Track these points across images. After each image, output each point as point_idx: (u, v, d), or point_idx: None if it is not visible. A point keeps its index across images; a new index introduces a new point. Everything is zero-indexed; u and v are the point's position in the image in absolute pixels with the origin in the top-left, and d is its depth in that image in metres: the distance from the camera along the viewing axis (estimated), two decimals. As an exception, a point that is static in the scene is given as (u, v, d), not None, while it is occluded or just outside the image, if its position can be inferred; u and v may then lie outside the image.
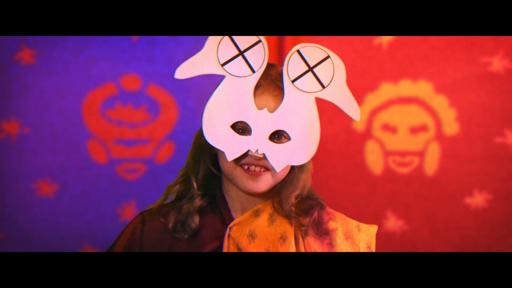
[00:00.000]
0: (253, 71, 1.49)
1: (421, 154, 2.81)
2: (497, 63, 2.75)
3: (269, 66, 1.52)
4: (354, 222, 1.58)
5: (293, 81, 1.49)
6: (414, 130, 2.82)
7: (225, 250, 1.51)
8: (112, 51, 2.75)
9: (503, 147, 2.76)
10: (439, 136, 2.80)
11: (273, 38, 2.75)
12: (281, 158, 1.48)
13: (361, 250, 1.55)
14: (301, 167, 1.54)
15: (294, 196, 1.54)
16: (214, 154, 1.56)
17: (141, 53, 2.77)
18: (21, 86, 2.71)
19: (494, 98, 2.76)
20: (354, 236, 1.56)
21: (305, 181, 1.56)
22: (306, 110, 1.49)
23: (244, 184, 1.51)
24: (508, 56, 2.74)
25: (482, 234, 2.77)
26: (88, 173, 2.75)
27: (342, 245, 1.54)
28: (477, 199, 2.77)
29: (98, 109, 2.76)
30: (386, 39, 2.80)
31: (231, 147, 1.48)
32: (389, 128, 2.83)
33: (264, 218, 1.54)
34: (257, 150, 1.48)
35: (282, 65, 1.50)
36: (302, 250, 1.52)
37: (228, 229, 1.52)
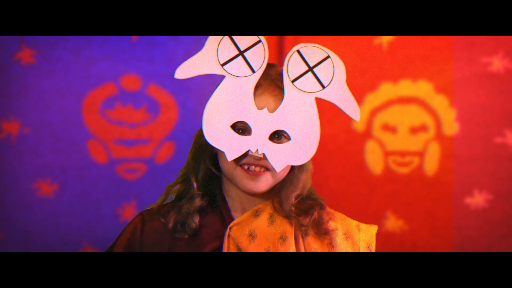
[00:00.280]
0: (253, 71, 1.49)
1: (421, 154, 2.81)
2: (497, 63, 2.75)
3: (269, 66, 1.52)
4: (354, 222, 1.58)
5: (293, 81, 1.49)
6: (414, 130, 2.82)
7: (225, 250, 1.51)
8: (112, 51, 2.75)
9: (503, 147, 2.76)
10: (439, 136, 2.80)
11: (273, 38, 2.75)
12: (281, 158, 1.48)
13: (361, 250, 1.55)
14: (301, 167, 1.54)
15: (294, 196, 1.54)
16: (214, 154, 1.56)
17: (141, 53, 2.77)
18: (21, 86, 2.71)
19: (494, 98, 2.76)
20: (354, 236, 1.56)
21: (305, 181, 1.56)
22: (306, 110, 1.49)
23: (244, 184, 1.51)
24: (508, 56, 2.74)
25: (482, 234, 2.77)
26: (88, 173, 2.75)
27: (342, 245, 1.54)
28: (477, 199, 2.77)
29: (98, 109, 2.76)
30: (386, 39, 2.80)
31: (231, 147, 1.48)
32: (389, 128, 2.83)
33: (264, 218, 1.54)
34: (257, 150, 1.48)
35: (282, 65, 1.50)
36: (302, 250, 1.52)
37: (228, 229, 1.52)
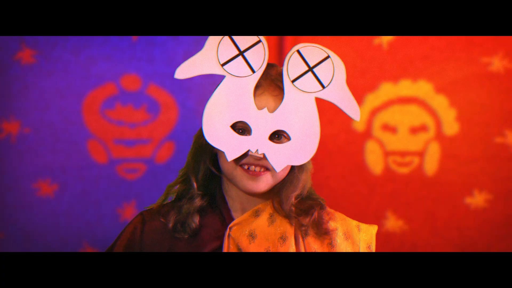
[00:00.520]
0: (253, 71, 1.49)
1: (421, 154, 2.81)
2: (497, 63, 2.75)
3: (269, 66, 1.52)
4: (354, 222, 1.58)
5: (293, 81, 1.49)
6: (414, 130, 2.82)
7: (225, 250, 1.51)
8: (112, 51, 2.75)
9: (503, 147, 2.76)
10: (439, 136, 2.80)
11: (273, 38, 2.75)
12: (281, 158, 1.48)
13: (361, 250, 1.55)
14: (301, 167, 1.54)
15: (294, 196, 1.54)
16: (214, 154, 1.56)
17: (141, 53, 2.77)
18: (21, 86, 2.71)
19: (494, 98, 2.76)
20: (354, 236, 1.56)
21: (305, 181, 1.56)
22: (306, 110, 1.49)
23: (244, 184, 1.51)
24: (508, 56, 2.74)
25: (482, 234, 2.77)
26: (88, 173, 2.75)
27: (342, 245, 1.54)
28: (477, 199, 2.77)
29: (98, 109, 2.76)
30: (386, 39, 2.80)
31: (231, 147, 1.48)
32: (389, 128, 2.83)
33: (264, 218, 1.54)
34: (257, 150, 1.48)
35: (282, 65, 1.50)
36: (302, 250, 1.52)
37: (228, 229, 1.52)
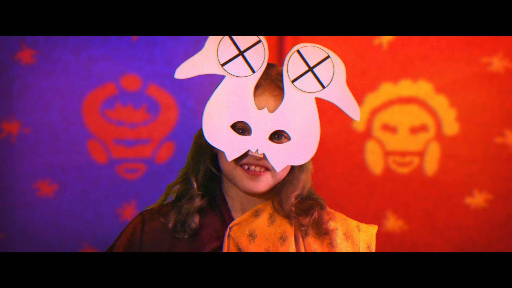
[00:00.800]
0: (253, 71, 1.49)
1: (421, 154, 2.81)
2: (497, 63, 2.75)
3: (269, 66, 1.52)
4: (354, 222, 1.58)
5: (293, 81, 1.49)
6: (414, 130, 2.82)
7: (225, 250, 1.51)
8: (112, 51, 2.75)
9: (503, 147, 2.76)
10: (439, 136, 2.80)
11: (273, 38, 2.75)
12: (281, 158, 1.48)
13: (361, 250, 1.55)
14: (301, 167, 1.54)
15: (294, 196, 1.54)
16: (214, 154, 1.56)
17: (141, 53, 2.77)
18: (21, 86, 2.71)
19: (494, 98, 2.76)
20: (354, 236, 1.56)
21: (305, 181, 1.56)
22: (306, 110, 1.49)
23: (244, 184, 1.51)
24: (508, 56, 2.74)
25: (482, 234, 2.77)
26: (88, 173, 2.75)
27: (342, 245, 1.54)
28: (477, 199, 2.77)
29: (98, 109, 2.76)
30: (386, 39, 2.80)
31: (231, 147, 1.47)
32: (389, 128, 2.83)
33: (264, 218, 1.54)
34: (257, 150, 1.48)
35: (282, 65, 1.50)
36: (302, 250, 1.52)
37: (228, 229, 1.52)
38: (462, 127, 2.78)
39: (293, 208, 1.54)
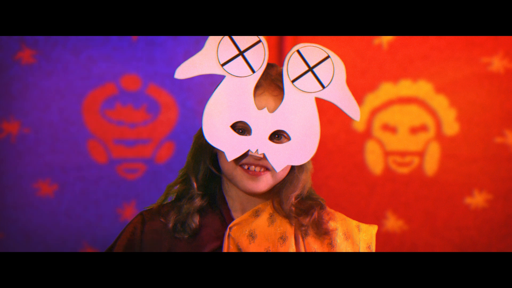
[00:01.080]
0: (253, 71, 1.49)
1: (421, 154, 2.81)
2: (497, 63, 2.75)
3: (269, 66, 1.52)
4: (354, 222, 1.58)
5: (293, 81, 1.49)
6: (414, 130, 2.82)
7: (225, 250, 1.51)
8: (112, 51, 2.75)
9: (503, 147, 2.76)
10: (439, 136, 2.80)
11: (273, 38, 2.75)
12: (281, 158, 1.48)
13: (361, 250, 1.55)
14: (301, 167, 1.54)
15: (294, 196, 1.54)
16: (214, 154, 1.56)
17: (141, 53, 2.77)
18: (21, 86, 2.71)
19: (494, 98, 2.76)
20: (354, 236, 1.56)
21: (305, 181, 1.56)
22: (306, 110, 1.49)
23: (244, 184, 1.51)
24: (508, 56, 2.74)
25: (482, 234, 2.77)
26: (88, 173, 2.75)
27: (342, 245, 1.54)
28: (477, 199, 2.77)
29: (98, 109, 2.76)
30: (386, 39, 2.80)
31: (231, 147, 1.47)
32: (389, 128, 2.83)
33: (264, 218, 1.54)
34: (257, 150, 1.48)
35: (282, 65, 1.50)
36: (302, 250, 1.52)
37: (228, 229, 1.52)
38: (462, 127, 2.78)
39: (293, 208, 1.54)
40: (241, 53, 1.49)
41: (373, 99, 2.82)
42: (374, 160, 2.83)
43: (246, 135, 1.48)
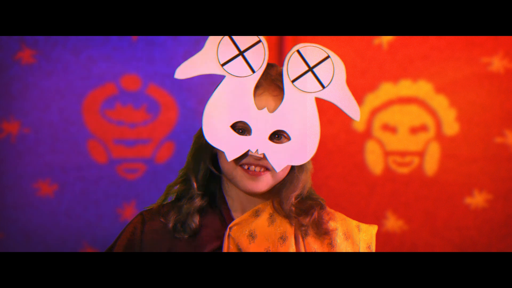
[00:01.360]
0: (253, 71, 1.49)
1: (421, 154, 2.81)
2: (497, 63, 2.75)
3: (269, 66, 1.52)
4: (354, 222, 1.58)
5: (293, 81, 1.49)
6: (414, 130, 2.82)
7: (225, 250, 1.51)
8: (112, 51, 2.75)
9: (503, 147, 2.76)
10: (439, 136, 2.80)
11: (273, 38, 2.75)
12: (281, 158, 1.48)
13: (361, 250, 1.55)
14: (301, 167, 1.54)
15: (294, 196, 1.54)
16: (214, 154, 1.56)
17: (141, 53, 2.77)
18: (21, 86, 2.71)
19: (494, 98, 2.76)
20: (354, 236, 1.56)
21: (305, 181, 1.56)
22: (306, 110, 1.49)
23: (244, 184, 1.50)
24: (508, 56, 2.74)
25: (482, 234, 2.77)
26: (88, 173, 2.75)
27: (342, 245, 1.54)
28: (477, 199, 2.77)
29: (98, 109, 2.76)
30: (386, 39, 2.80)
31: (231, 147, 1.48)
32: (389, 128, 2.83)
33: (264, 218, 1.54)
34: (257, 150, 1.48)
35: (282, 65, 1.50)
36: (302, 250, 1.52)
37: (228, 229, 1.52)
38: (462, 127, 2.78)
39: (293, 208, 1.54)
40: (241, 53, 1.49)
41: (373, 99, 2.82)
42: (374, 160, 2.83)
43: (246, 135, 1.48)
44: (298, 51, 1.50)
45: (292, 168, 1.54)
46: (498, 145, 2.76)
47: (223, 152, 1.48)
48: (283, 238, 1.52)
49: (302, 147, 1.49)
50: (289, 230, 1.53)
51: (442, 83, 2.79)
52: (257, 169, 1.50)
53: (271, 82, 1.50)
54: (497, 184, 2.76)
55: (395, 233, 2.81)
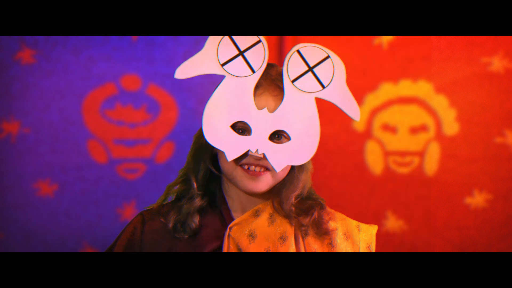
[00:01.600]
0: (253, 71, 1.49)
1: (421, 154, 2.81)
2: (497, 63, 2.75)
3: (269, 66, 1.52)
4: (354, 222, 1.58)
5: (293, 81, 1.49)
6: (414, 130, 2.82)
7: (225, 250, 1.51)
8: (112, 51, 2.75)
9: (503, 147, 2.76)
10: (439, 136, 2.80)
11: (273, 38, 2.75)
12: (281, 158, 1.48)
13: (361, 250, 1.55)
14: (301, 167, 1.54)
15: (294, 196, 1.54)
16: (214, 154, 1.56)
17: (141, 53, 2.77)
18: (21, 86, 2.71)
19: (494, 98, 2.76)
20: (354, 236, 1.56)
21: (305, 181, 1.56)
22: (306, 110, 1.49)
23: (244, 184, 1.51)
24: (508, 56, 2.74)
25: (482, 234, 2.77)
26: (88, 173, 2.75)
27: (342, 245, 1.54)
28: (477, 199, 2.77)
29: (98, 109, 2.76)
30: (386, 39, 2.80)
31: (231, 147, 1.48)
32: (389, 128, 2.83)
33: (264, 218, 1.54)
34: (257, 150, 1.48)
35: (282, 65, 1.50)
36: (302, 250, 1.52)
37: (228, 229, 1.52)
38: (462, 127, 2.78)
39: (293, 208, 1.54)
40: (241, 53, 1.49)
41: (373, 99, 2.82)
42: (374, 160, 2.83)
43: (246, 135, 1.48)
44: (298, 51, 1.50)
45: (292, 168, 1.54)
46: (498, 145, 2.76)
47: (223, 152, 1.48)
48: (283, 238, 1.52)
49: (302, 147, 1.49)
50: (289, 230, 1.53)
51: (442, 83, 2.79)
52: (257, 169, 1.50)
53: (271, 82, 1.51)
54: (497, 184, 2.76)
55: (395, 233, 2.81)
